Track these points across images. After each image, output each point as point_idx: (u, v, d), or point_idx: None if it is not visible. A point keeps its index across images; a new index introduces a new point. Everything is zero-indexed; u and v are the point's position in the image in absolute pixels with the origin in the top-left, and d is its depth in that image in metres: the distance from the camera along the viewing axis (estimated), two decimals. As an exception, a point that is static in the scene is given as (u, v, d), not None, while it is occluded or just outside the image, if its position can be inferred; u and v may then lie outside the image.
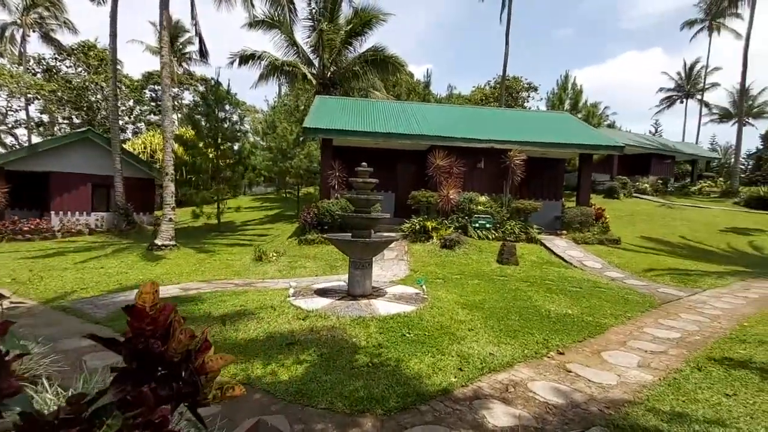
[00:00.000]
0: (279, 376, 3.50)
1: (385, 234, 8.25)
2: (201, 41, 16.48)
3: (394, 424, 2.80)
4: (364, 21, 19.95)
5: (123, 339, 0.99)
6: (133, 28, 62.32)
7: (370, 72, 20.58)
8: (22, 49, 29.57)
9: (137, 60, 68.14)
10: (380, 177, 9.77)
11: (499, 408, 3.02)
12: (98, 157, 16.01)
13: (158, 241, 11.43)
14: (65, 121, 34.68)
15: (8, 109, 31.61)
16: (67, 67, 34.26)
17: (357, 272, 6.08)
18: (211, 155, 15.86)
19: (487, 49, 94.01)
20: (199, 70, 37.39)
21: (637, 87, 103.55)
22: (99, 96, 33.39)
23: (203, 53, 16.88)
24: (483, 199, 12.71)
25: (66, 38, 31.36)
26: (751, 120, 40.30)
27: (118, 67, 33.17)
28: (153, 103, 36.67)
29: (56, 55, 32.99)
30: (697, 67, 44.49)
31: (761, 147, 32.50)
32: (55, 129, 34.28)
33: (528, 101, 40.07)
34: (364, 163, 6.43)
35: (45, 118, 33.92)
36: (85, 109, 33.21)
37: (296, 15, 20.49)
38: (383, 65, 20.39)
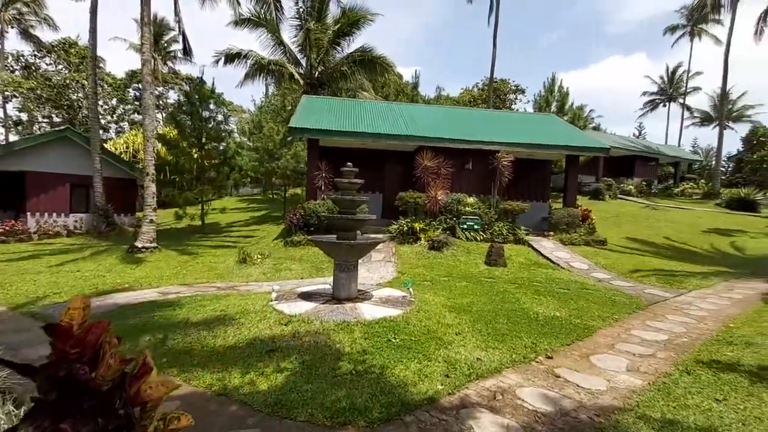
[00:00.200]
0: (257, 386, 3.33)
1: (372, 235, 8.12)
2: (185, 39, 16.17)
3: (376, 436, 2.66)
4: (352, 21, 19.79)
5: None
6: (117, 25, 61.15)
7: (358, 72, 20.41)
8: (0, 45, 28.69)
9: (121, 58, 66.88)
10: (367, 178, 9.65)
11: (486, 417, 2.90)
12: (77, 156, 15.52)
13: (139, 243, 11.09)
14: (45, 120, 33.73)
15: (-16, 106, 30.65)
16: (47, 64, 33.36)
17: (342, 275, 5.92)
18: (195, 155, 15.51)
19: (475, 52, 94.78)
20: (184, 68, 36.84)
21: (621, 90, 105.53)
22: (80, 94, 32.54)
23: (187, 51, 16.57)
24: (471, 200, 12.65)
25: (46, 35, 30.64)
26: (731, 123, 41.27)
27: (101, 65, 32.49)
28: (137, 102, 35.90)
29: (36, 52, 32.10)
30: (680, 71, 45.48)
31: (741, 150, 33.27)
32: (35, 128, 33.29)
33: (515, 103, 40.37)
34: (349, 163, 6.28)
35: (23, 116, 32.94)
36: (65, 107, 32.33)
37: (283, 14, 20.25)
38: (371, 66, 20.24)
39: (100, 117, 30.94)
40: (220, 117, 16.12)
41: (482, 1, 35.44)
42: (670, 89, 46.98)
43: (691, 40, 40.18)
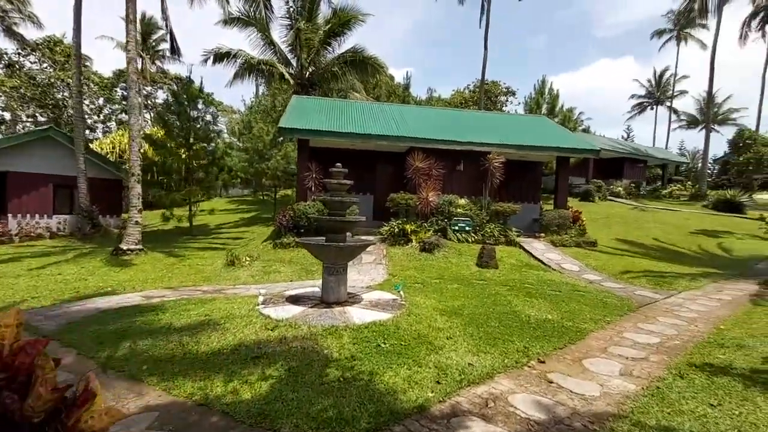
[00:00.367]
0: (241, 395, 3.19)
1: (363, 237, 8.00)
2: (172, 38, 15.92)
3: (364, 448, 2.55)
4: (343, 21, 19.68)
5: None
6: (105, 24, 60.19)
7: (349, 73, 20.29)
8: (-19, 43, 28.03)
9: (109, 58, 65.88)
10: (358, 179, 9.54)
11: (478, 426, 2.81)
12: (61, 156, 15.17)
13: (123, 246, 10.84)
14: (29, 120, 33.02)
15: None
16: (31, 63, 32.65)
17: (331, 278, 5.79)
18: (183, 155, 15.24)
19: (467, 54, 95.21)
20: (173, 68, 36.41)
21: (610, 93, 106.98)
22: (65, 93, 31.92)
23: (175, 50, 16.32)
24: (462, 201, 12.60)
25: (30, 33, 29.86)
26: (716, 126, 41.97)
27: (86, 63, 31.87)
28: (125, 102, 35.33)
29: (19, 50, 31.38)
30: (667, 75, 46.22)
31: (727, 152, 33.82)
32: (18, 127, 32.57)
33: (506, 105, 40.61)
34: (338, 164, 6.15)
35: (6, 115, 32.21)
36: (50, 106, 31.70)
37: (273, 13, 20.04)
38: (362, 66, 20.14)
39: (86, 116, 30.40)
40: (208, 117, 15.90)
41: (474, 3, 35.59)
42: (658, 92, 47.70)
43: (678, 45, 40.87)
